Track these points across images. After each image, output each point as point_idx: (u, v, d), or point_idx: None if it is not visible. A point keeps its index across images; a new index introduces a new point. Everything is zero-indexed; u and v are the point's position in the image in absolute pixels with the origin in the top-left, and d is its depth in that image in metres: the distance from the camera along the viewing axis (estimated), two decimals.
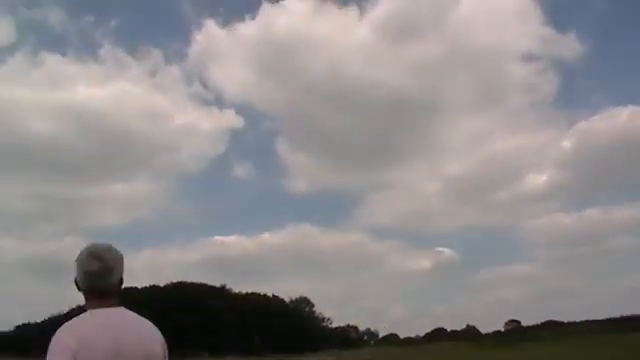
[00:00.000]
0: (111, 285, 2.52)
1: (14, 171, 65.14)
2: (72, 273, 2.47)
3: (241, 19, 71.94)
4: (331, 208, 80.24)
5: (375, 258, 75.42)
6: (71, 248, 66.80)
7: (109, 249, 2.58)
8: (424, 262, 77.66)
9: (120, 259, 2.59)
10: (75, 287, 2.57)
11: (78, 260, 2.55)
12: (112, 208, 70.75)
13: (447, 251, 76.12)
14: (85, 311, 2.48)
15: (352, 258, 74.32)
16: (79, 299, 2.48)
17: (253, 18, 65.54)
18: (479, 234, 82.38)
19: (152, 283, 59.86)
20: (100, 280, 2.49)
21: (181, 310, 51.76)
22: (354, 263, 73.22)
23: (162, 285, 60.52)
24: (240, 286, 60.65)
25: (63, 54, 67.96)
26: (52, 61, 64.24)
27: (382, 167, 76.21)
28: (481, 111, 77.28)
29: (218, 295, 59.59)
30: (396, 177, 79.19)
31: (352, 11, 68.34)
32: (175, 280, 61.07)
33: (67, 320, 2.38)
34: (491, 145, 79.01)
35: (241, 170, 70.46)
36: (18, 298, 66.05)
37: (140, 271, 59.72)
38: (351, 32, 70.04)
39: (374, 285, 77.69)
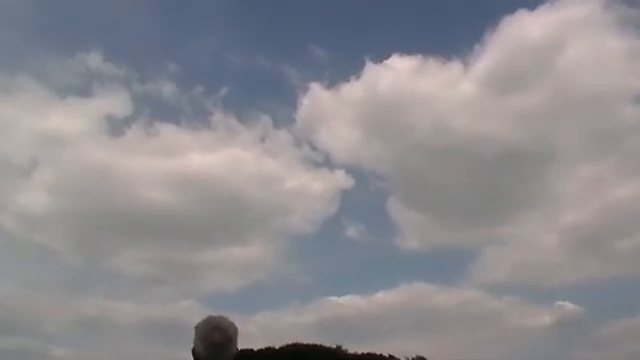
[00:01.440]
0: (228, 355, 2.62)
1: (133, 237, 68.24)
2: (189, 335, 2.54)
3: (346, 80, 72.84)
4: (445, 265, 78.06)
5: (492, 315, 72.37)
6: (188, 311, 68.76)
7: (227, 321, 2.68)
8: (545, 318, 73.36)
9: (236, 331, 2.67)
10: (192, 355, 2.63)
11: (197, 331, 2.63)
12: (227, 272, 72.30)
13: (569, 305, 71.61)
14: None
15: (468, 315, 71.61)
16: None
17: (358, 78, 65.93)
18: (601, 285, 77.17)
19: (268, 345, 60.32)
20: (219, 351, 2.59)
21: None
22: (471, 321, 70.51)
23: (277, 347, 60.82)
24: (356, 346, 59.67)
25: (176, 124, 71.25)
26: (166, 131, 67.40)
27: (495, 221, 73.72)
28: (595, 157, 73.55)
29: (334, 356, 59.09)
30: (510, 231, 76.19)
31: (456, 65, 67.46)
32: (290, 342, 61.23)
33: None
34: (608, 192, 74.78)
35: (353, 230, 70.17)
36: (136, 357, 68.29)
37: (256, 333, 60.24)
38: (456, 86, 69.00)
39: (493, 343, 74.32)
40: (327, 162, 66.36)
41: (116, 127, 65.69)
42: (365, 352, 64.38)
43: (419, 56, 66.60)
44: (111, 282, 71.42)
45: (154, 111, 72.91)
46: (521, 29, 63.45)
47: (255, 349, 56.87)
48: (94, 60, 63.34)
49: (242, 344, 2.69)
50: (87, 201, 66.02)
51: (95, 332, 67.38)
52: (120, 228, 68.61)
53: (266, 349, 59.16)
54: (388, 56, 67.06)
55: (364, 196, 72.91)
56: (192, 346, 2.66)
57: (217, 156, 71.92)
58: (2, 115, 64.66)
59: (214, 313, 2.71)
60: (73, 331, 66.90)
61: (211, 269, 72.72)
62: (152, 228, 67.35)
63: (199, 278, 74.84)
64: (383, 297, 76.72)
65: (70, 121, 64.98)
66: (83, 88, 74.59)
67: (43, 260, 68.44)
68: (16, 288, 64.68)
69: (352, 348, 62.70)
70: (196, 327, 2.66)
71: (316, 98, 69.22)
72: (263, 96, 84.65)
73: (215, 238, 73.30)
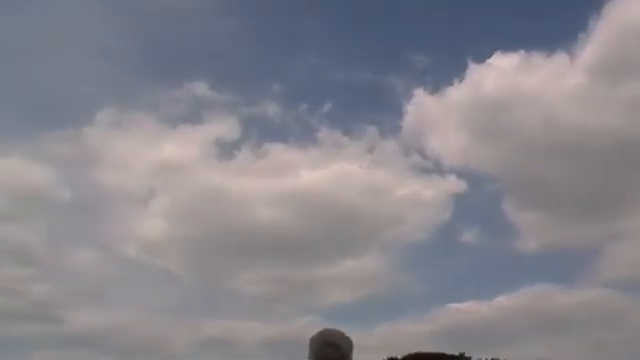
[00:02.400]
0: None
1: (250, 257, 69.90)
2: (306, 351, 2.57)
3: (449, 84, 71.50)
4: (566, 265, 74.68)
5: (620, 314, 68.26)
6: (309, 327, 69.67)
7: (342, 336, 2.66)
8: None
9: (351, 345, 2.65)
10: None
11: (311, 344, 2.64)
12: (343, 285, 72.53)
13: None
14: None
15: (594, 316, 67.93)
16: None
17: (461, 81, 65.01)
18: None
19: (389, 356, 60.25)
20: None
21: None
22: (597, 321, 66.80)
23: (400, 357, 60.63)
24: (480, 353, 58.31)
25: (284, 142, 72.59)
26: (274, 150, 68.74)
27: (616, 216, 69.64)
28: None
29: None
30: (633, 224, 71.69)
31: (561, 57, 64.93)
32: (412, 351, 60.84)
33: None
34: None
35: (469, 235, 68.65)
36: None
37: (376, 345, 60.18)
38: (563, 79, 66.35)
39: (621, 343, 70.12)
40: (437, 168, 65.20)
41: (226, 150, 67.90)
42: (490, 358, 62.97)
43: (522, 51, 64.39)
44: (231, 302, 73.44)
45: (261, 132, 74.49)
46: (627, 12, 60.42)
47: None
48: (200, 88, 65.89)
49: (363, 357, 2.68)
50: (203, 225, 68.37)
51: (219, 352, 69.70)
52: (236, 249, 70.56)
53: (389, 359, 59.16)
54: (490, 55, 65.81)
55: (477, 199, 70.92)
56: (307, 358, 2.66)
57: (326, 171, 72.54)
58: (120, 149, 68.36)
59: (334, 327, 2.73)
60: (198, 352, 69.34)
61: (328, 283, 73.27)
62: (267, 247, 68.80)
63: (317, 293, 75.60)
64: (504, 301, 74.25)
65: (182, 149, 67.81)
66: (192, 116, 77.81)
67: (165, 284, 71.48)
68: (141, 312, 67.66)
69: (476, 355, 61.35)
70: (311, 340, 2.67)
71: (421, 104, 68.36)
72: (367, 108, 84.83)
73: (330, 252, 73.79)
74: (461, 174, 70.71)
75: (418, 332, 72.47)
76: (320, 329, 2.68)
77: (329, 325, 2.72)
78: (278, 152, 75.08)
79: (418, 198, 77.35)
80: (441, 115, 77.52)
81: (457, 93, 72.60)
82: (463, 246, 75.67)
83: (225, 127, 68.05)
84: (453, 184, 72.00)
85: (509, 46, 69.00)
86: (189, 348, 66.97)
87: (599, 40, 66.35)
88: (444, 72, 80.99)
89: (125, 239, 72.67)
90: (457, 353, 61.10)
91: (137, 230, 68.73)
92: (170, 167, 71.82)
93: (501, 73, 71.60)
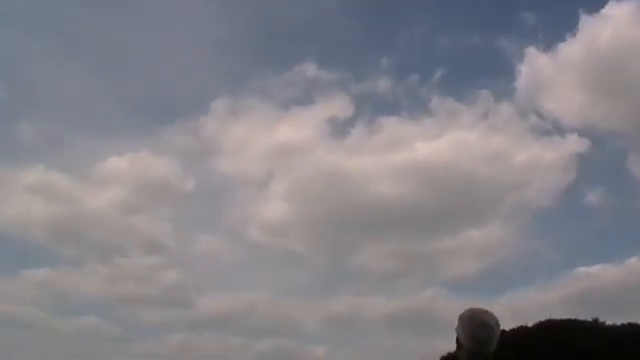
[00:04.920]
0: (493, 347, 2.77)
1: (371, 234, 71.12)
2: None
3: (561, 39, 69.35)
4: None
5: None
6: (433, 299, 70.07)
7: (491, 318, 2.84)
8: None
9: (498, 323, 2.83)
10: (456, 343, 2.84)
11: (462, 325, 2.82)
12: (467, 256, 72.39)
13: None
14: None
15: None
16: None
17: (574, 35, 62.87)
18: None
19: (519, 324, 59.80)
20: (486, 346, 2.77)
21: (553, 349, 50.80)
22: None
23: (530, 325, 60.10)
24: (614, 318, 57.05)
25: (397, 116, 72.98)
26: (388, 124, 69.39)
27: None
28: None
29: (593, 329, 57.05)
30: None
31: None
32: (542, 319, 60.07)
33: None
34: None
35: (594, 195, 66.82)
36: (387, 349, 71.49)
37: (504, 314, 60.30)
38: None
39: None
40: (556, 129, 62.92)
41: (340, 129, 69.52)
42: (626, 323, 60.59)
43: None
44: (355, 279, 75.17)
45: (373, 108, 75.35)
46: None
47: (507, 329, 56.68)
48: (310, 69, 67.53)
49: None
50: (322, 204, 70.10)
51: (347, 328, 71.66)
52: (357, 226, 71.93)
53: (519, 328, 58.57)
54: (603, 5, 62.67)
55: (602, 158, 67.74)
56: (455, 335, 2.83)
57: (441, 141, 71.91)
58: (236, 135, 70.92)
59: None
60: (327, 329, 71.82)
61: (450, 255, 73.37)
62: (388, 222, 69.61)
63: (440, 265, 75.72)
64: (636, 262, 71.02)
65: (297, 131, 69.68)
66: (304, 97, 79.67)
67: (290, 265, 74.35)
68: (270, 293, 70.89)
69: (610, 320, 59.50)
70: (460, 319, 2.83)
71: (534, 64, 65.58)
72: (479, 72, 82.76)
73: (451, 223, 73.74)
74: (583, 133, 66.58)
75: (547, 299, 70.17)
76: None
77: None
78: (392, 126, 74.78)
79: (539, 161, 74.27)
80: (556, 73, 73.76)
81: (571, 48, 68.63)
82: (589, 208, 72.50)
83: (337, 105, 68.87)
84: (575, 144, 68.40)
85: None
86: (317, 326, 69.36)
87: None
88: (555, 27, 76.74)
89: (248, 223, 75.68)
90: (590, 319, 59.75)
91: (259, 213, 71.31)
92: (286, 149, 73.67)
93: (617, 23, 67.01)
